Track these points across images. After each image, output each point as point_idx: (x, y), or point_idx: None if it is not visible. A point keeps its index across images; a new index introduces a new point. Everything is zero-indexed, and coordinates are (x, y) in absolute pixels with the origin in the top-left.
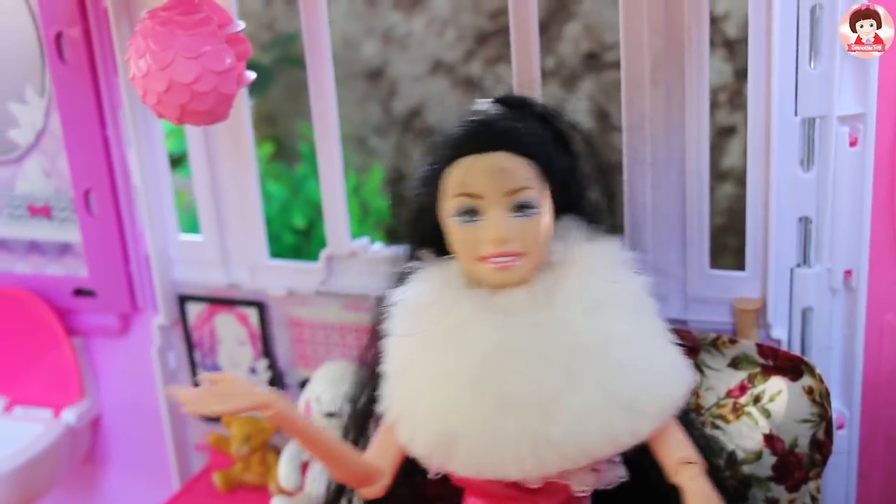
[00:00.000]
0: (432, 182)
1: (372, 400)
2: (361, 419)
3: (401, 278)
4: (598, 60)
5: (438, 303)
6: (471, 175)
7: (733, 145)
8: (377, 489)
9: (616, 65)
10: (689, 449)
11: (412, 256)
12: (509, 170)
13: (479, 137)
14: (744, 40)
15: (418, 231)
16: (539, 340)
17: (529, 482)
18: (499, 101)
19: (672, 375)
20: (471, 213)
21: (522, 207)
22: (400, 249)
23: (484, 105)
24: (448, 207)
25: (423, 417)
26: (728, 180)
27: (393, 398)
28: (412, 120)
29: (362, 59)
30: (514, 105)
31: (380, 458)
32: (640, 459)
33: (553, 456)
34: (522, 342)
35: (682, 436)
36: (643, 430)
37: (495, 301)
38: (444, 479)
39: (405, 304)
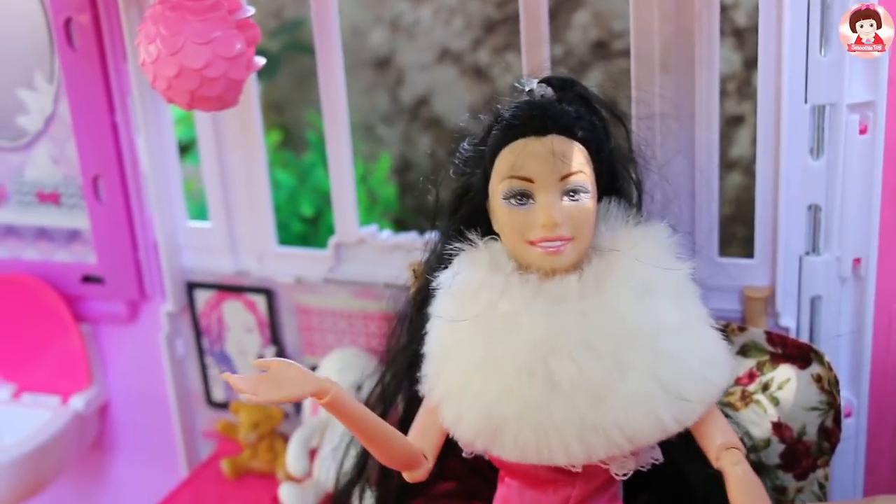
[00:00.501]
0: (480, 163)
1: (391, 384)
2: (387, 397)
3: (440, 260)
4: (606, 49)
5: (488, 287)
6: (524, 158)
7: (742, 135)
8: (422, 473)
9: (624, 53)
10: (731, 434)
11: (452, 238)
12: (563, 154)
13: (534, 120)
14: (753, 29)
15: (461, 212)
16: (588, 328)
17: (569, 466)
18: (545, 81)
19: (716, 362)
20: (522, 195)
21: (573, 192)
22: (420, 235)
23: (532, 85)
24: (498, 189)
25: (470, 401)
26: (736, 170)
27: (437, 380)
28: (419, 108)
29: (370, 47)
30: (561, 87)
31: (423, 440)
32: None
33: (600, 442)
34: (572, 330)
35: (725, 422)
36: (689, 417)
37: (546, 288)
38: (479, 457)
39: (453, 286)
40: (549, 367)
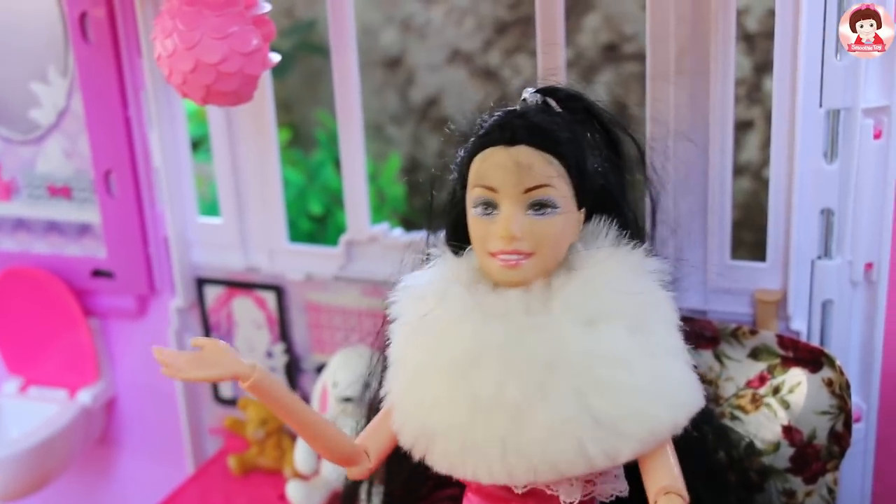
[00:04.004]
0: (461, 170)
1: (381, 385)
2: (375, 403)
3: (418, 265)
4: (617, 52)
5: (432, 294)
6: (489, 167)
7: (751, 140)
8: (361, 471)
9: (635, 57)
10: (675, 477)
11: (432, 243)
12: (528, 165)
13: (504, 128)
14: (763, 34)
15: (449, 218)
16: (520, 346)
17: (513, 486)
18: (545, 92)
19: (669, 398)
20: (487, 205)
21: (539, 205)
22: (423, 235)
23: (529, 95)
24: (469, 197)
25: (410, 410)
26: (745, 175)
27: (391, 385)
28: (429, 109)
29: (380, 47)
30: (562, 99)
31: (370, 440)
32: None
33: (521, 466)
34: (502, 345)
35: (672, 463)
36: (622, 452)
37: (488, 300)
38: None
39: (406, 291)
40: (472, 381)
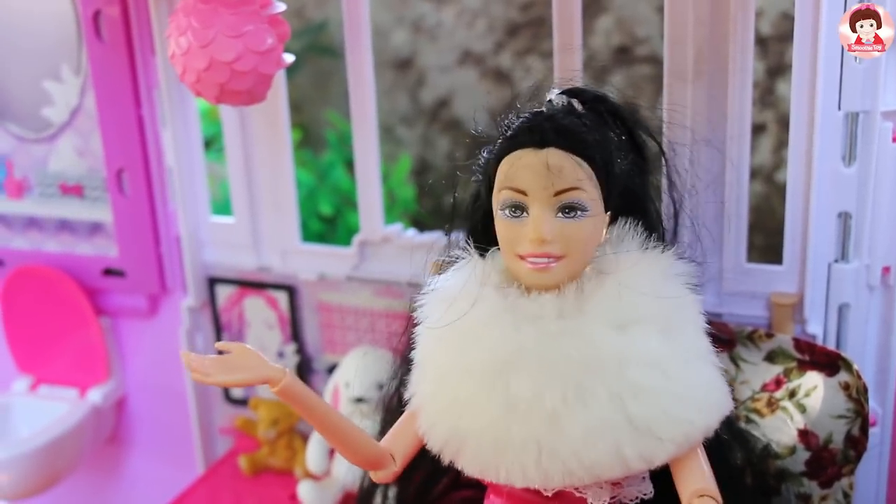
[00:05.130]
0: (487, 172)
1: (402, 386)
2: (394, 405)
3: (444, 266)
4: (629, 54)
5: (464, 297)
6: (518, 169)
7: (763, 143)
8: (386, 474)
9: (647, 59)
10: (708, 480)
11: (459, 245)
12: (559, 168)
13: (534, 131)
14: (776, 38)
15: (473, 219)
16: (555, 350)
17: (542, 489)
18: (571, 93)
19: (701, 402)
20: (516, 208)
21: (569, 208)
22: (443, 236)
23: (554, 97)
24: (496, 199)
25: (440, 412)
26: (756, 178)
27: (417, 387)
28: (440, 111)
29: (391, 47)
30: (587, 100)
31: (395, 444)
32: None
33: (557, 469)
34: (538, 349)
35: (705, 466)
36: (657, 455)
37: (521, 303)
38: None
39: (434, 294)
40: (509, 384)
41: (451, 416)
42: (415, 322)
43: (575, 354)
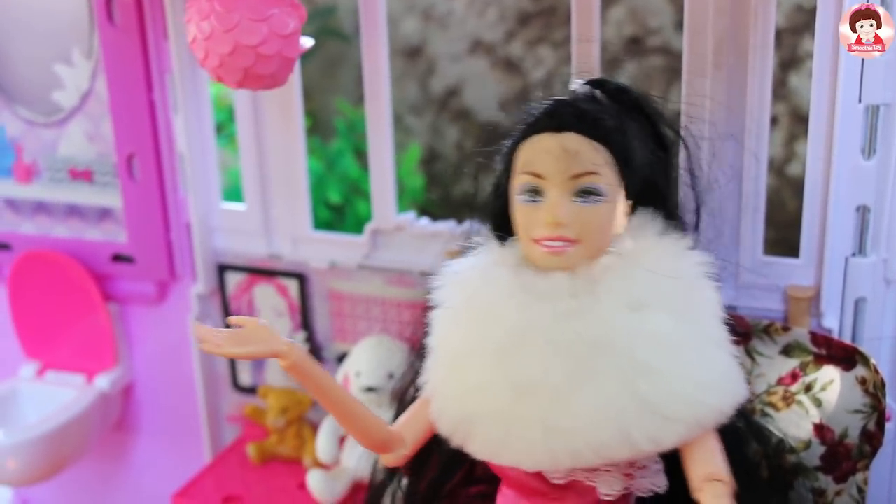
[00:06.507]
0: (507, 158)
1: (417, 376)
2: (409, 396)
3: (462, 253)
4: (640, 45)
5: (476, 278)
6: (536, 153)
7: (775, 136)
8: (396, 458)
9: (659, 50)
10: (719, 465)
11: (478, 232)
12: (576, 152)
13: (553, 116)
14: (790, 30)
15: (493, 207)
16: (566, 329)
17: (552, 477)
18: (593, 83)
19: (715, 386)
20: (533, 192)
21: (586, 193)
22: (457, 225)
23: (576, 86)
24: (514, 184)
25: (450, 394)
26: (768, 171)
27: (431, 373)
28: (449, 100)
29: (401, 36)
30: (610, 91)
31: (407, 428)
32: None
33: (564, 449)
34: (548, 327)
35: (717, 450)
36: (667, 438)
37: (533, 282)
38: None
39: (447, 276)
40: (517, 362)
41: (461, 399)
42: (430, 307)
43: (585, 333)
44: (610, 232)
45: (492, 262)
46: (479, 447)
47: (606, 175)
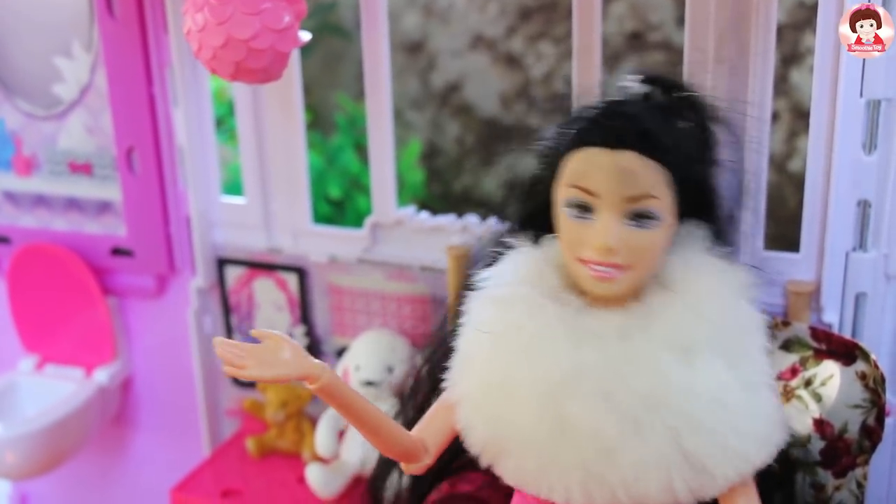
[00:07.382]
0: (553, 160)
1: (434, 373)
2: (420, 389)
3: (496, 255)
4: (641, 40)
5: (521, 302)
6: (589, 168)
7: (775, 132)
8: (419, 467)
9: (660, 45)
10: None
11: (512, 232)
12: (635, 174)
13: (612, 130)
14: (791, 26)
15: (527, 205)
16: (616, 376)
17: None
18: (649, 80)
19: (757, 436)
20: (583, 208)
21: (640, 217)
22: (501, 223)
23: (632, 84)
24: (561, 194)
25: (483, 416)
26: (768, 167)
27: (459, 380)
28: (450, 95)
29: (402, 30)
30: (666, 88)
31: (429, 434)
32: None
33: (602, 495)
34: (597, 375)
35: (754, 499)
36: (708, 491)
37: (584, 320)
38: None
39: (490, 292)
40: (562, 408)
41: (498, 424)
42: (458, 313)
43: (636, 384)
44: (660, 254)
45: (531, 281)
46: (511, 474)
47: (663, 197)
